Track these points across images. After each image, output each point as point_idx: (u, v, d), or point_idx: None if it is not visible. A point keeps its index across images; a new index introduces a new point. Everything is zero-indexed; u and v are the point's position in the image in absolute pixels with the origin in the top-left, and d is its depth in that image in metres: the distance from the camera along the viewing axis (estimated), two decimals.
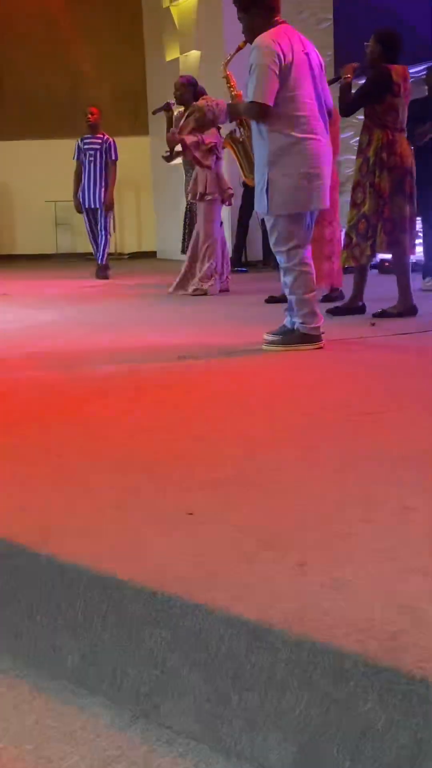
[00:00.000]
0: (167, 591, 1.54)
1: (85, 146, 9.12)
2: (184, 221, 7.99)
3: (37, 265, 12.18)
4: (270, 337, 4.34)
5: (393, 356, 4.06)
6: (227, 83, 4.96)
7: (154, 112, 8.73)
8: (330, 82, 5.60)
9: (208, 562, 1.66)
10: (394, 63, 5.24)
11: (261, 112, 4.04)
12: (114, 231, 11.66)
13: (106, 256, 9.34)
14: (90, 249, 9.52)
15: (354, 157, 5.69)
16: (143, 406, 3.17)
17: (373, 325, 4.97)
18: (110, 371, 3.87)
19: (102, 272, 9.25)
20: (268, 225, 4.28)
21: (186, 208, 8.01)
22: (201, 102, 7.00)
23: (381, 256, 6.53)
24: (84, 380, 3.68)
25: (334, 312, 5.37)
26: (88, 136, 9.13)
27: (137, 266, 10.07)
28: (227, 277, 7.38)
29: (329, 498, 2.04)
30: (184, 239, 7.96)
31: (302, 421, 2.85)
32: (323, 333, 4.31)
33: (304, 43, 4.14)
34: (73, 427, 2.86)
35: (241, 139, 4.95)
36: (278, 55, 3.98)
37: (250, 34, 4.16)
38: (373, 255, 5.43)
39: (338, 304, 5.74)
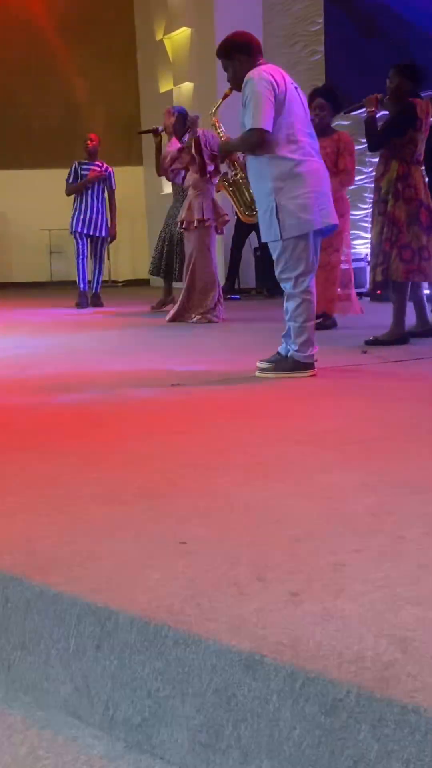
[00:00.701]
0: (160, 621, 1.54)
1: (83, 171, 9.16)
2: (162, 246, 8.05)
3: (32, 293, 12.22)
4: (263, 365, 4.36)
5: (385, 384, 4.08)
6: (215, 130, 5.06)
7: (139, 132, 8.83)
8: (347, 112, 5.69)
9: (201, 592, 1.66)
10: (415, 96, 5.34)
11: (260, 137, 4.11)
12: (108, 259, 11.72)
13: (100, 284, 9.36)
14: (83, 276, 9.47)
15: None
16: (136, 434, 3.17)
17: (365, 352, 5.00)
18: (103, 399, 3.88)
19: (97, 300, 9.25)
20: (274, 253, 4.30)
21: (165, 234, 8.05)
22: (199, 131, 7.10)
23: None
24: (76, 408, 3.69)
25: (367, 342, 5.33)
26: (86, 161, 9.19)
27: (130, 294, 10.11)
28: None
29: (322, 527, 2.05)
30: (160, 264, 8.02)
31: (295, 450, 2.86)
32: (316, 360, 4.34)
33: (290, 78, 4.28)
34: (65, 456, 2.86)
35: (233, 180, 5.00)
36: (272, 84, 4.08)
37: (236, 80, 4.28)
38: (384, 281, 5.43)
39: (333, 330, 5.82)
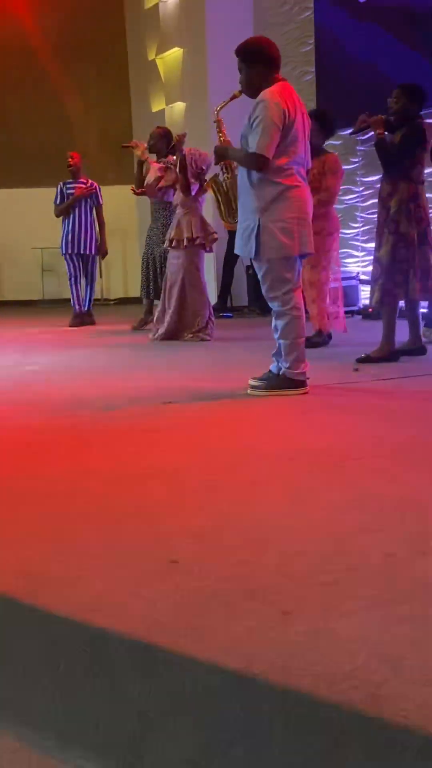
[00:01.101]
0: (151, 641, 1.53)
1: (68, 191, 9.16)
2: (147, 268, 8.04)
3: (23, 312, 12.22)
4: (255, 382, 4.37)
5: (377, 402, 4.09)
6: (217, 128, 5.03)
7: (123, 146, 8.86)
8: (353, 133, 5.71)
9: (192, 611, 1.66)
10: (419, 116, 5.39)
11: (260, 163, 4.15)
12: (100, 277, 11.72)
13: (91, 302, 9.34)
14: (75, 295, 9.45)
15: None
16: (126, 453, 3.17)
17: (356, 370, 5.01)
18: (94, 417, 3.87)
19: (88, 318, 9.24)
20: (260, 272, 4.34)
21: (149, 256, 8.04)
22: (185, 150, 7.14)
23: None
24: (67, 427, 3.68)
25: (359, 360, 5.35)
26: (70, 181, 9.19)
27: (122, 312, 10.11)
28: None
29: (314, 546, 2.05)
30: (149, 286, 8.01)
31: (286, 468, 2.86)
32: (308, 378, 4.35)
33: (300, 102, 4.30)
34: (56, 476, 2.85)
35: (222, 182, 5.00)
36: (284, 113, 4.11)
37: (248, 86, 4.28)
38: (406, 298, 5.46)
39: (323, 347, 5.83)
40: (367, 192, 9.28)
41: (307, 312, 6.37)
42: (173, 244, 7.12)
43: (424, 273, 5.33)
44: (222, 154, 4.69)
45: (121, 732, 1.53)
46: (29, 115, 13.68)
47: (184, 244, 7.04)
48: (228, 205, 4.97)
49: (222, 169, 4.92)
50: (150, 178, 7.54)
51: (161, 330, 7.20)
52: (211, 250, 7.37)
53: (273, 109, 4.10)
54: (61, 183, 9.23)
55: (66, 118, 13.58)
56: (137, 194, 8.14)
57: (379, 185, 5.59)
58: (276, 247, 4.19)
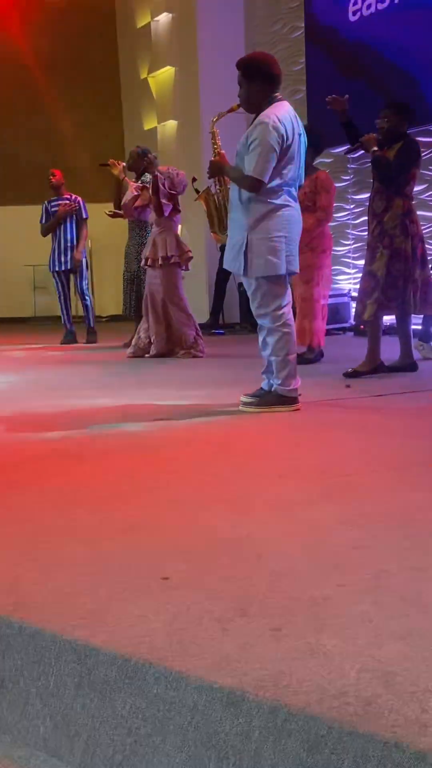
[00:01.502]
0: (141, 657, 1.53)
1: (53, 209, 9.16)
2: (128, 285, 8.06)
3: (15, 328, 12.22)
4: (247, 399, 4.37)
5: (369, 418, 4.09)
6: (212, 140, 5.01)
7: (101, 165, 8.90)
8: (347, 153, 5.73)
9: (183, 628, 1.65)
10: (408, 133, 5.45)
11: (255, 187, 4.17)
12: (93, 295, 11.72)
13: (93, 319, 9.27)
14: (71, 312, 9.41)
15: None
16: (117, 470, 3.16)
17: (348, 387, 5.02)
18: (85, 434, 3.87)
19: (92, 336, 9.16)
20: (249, 289, 4.35)
21: (127, 274, 8.05)
22: (163, 169, 7.18)
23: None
24: (58, 443, 3.67)
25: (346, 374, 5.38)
26: (54, 198, 9.19)
27: (115, 329, 10.10)
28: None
29: (304, 562, 2.04)
30: (130, 303, 8.02)
31: (278, 485, 2.86)
32: (300, 395, 4.35)
33: (298, 122, 4.31)
34: (46, 492, 2.84)
35: (215, 195, 5.00)
36: (282, 137, 4.13)
37: (247, 101, 4.30)
38: (399, 313, 5.54)
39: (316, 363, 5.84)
40: (358, 209, 9.33)
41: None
42: (149, 263, 7.15)
43: (424, 286, 5.39)
44: (217, 170, 4.67)
45: (110, 748, 1.52)
46: (21, 133, 13.73)
47: (159, 263, 7.07)
48: (219, 219, 4.97)
49: (215, 183, 4.91)
50: (127, 197, 7.57)
51: (152, 350, 7.21)
52: (187, 269, 7.38)
53: (272, 134, 4.10)
54: (46, 201, 9.23)
55: (58, 136, 13.63)
56: (111, 217, 8.14)
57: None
58: (262, 265, 4.21)
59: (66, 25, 13.53)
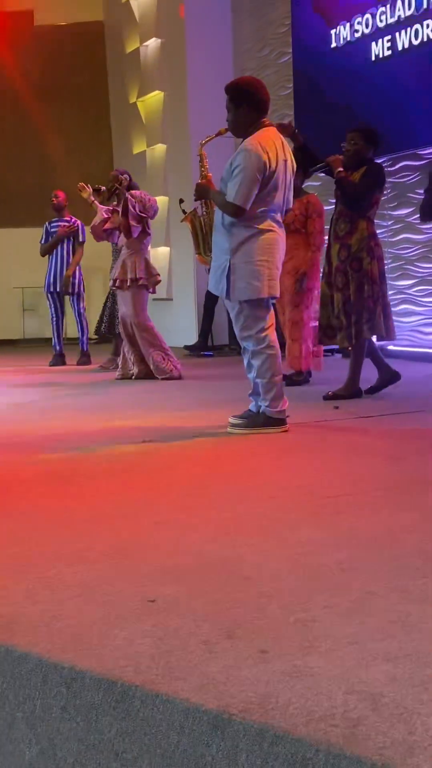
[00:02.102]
0: (127, 680, 1.52)
1: (52, 229, 9.20)
2: (105, 305, 8.11)
3: (4, 351, 12.20)
4: (235, 420, 4.37)
5: (356, 439, 4.10)
6: (200, 162, 5.04)
7: (79, 188, 8.94)
8: (311, 172, 5.75)
9: (169, 650, 1.65)
10: (373, 158, 5.50)
11: (237, 212, 4.20)
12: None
13: (87, 342, 9.26)
14: (62, 335, 9.38)
15: None
16: (105, 491, 3.15)
17: (336, 408, 5.03)
18: (73, 456, 3.86)
19: (84, 358, 9.15)
20: (232, 311, 4.37)
21: (110, 292, 8.13)
22: (136, 193, 7.23)
23: None
24: (46, 465, 3.67)
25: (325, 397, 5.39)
26: (55, 219, 9.23)
27: (105, 350, 10.07)
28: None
29: (291, 584, 2.04)
30: (102, 321, 8.07)
31: (265, 506, 2.86)
32: (288, 416, 4.36)
33: (285, 148, 4.33)
34: (33, 514, 2.84)
35: (201, 217, 5.03)
36: (266, 164, 4.15)
37: (234, 126, 4.33)
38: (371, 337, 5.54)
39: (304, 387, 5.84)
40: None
41: (283, 349, 6.42)
42: (117, 284, 7.18)
43: (386, 310, 5.42)
44: (203, 193, 4.71)
45: None
46: (11, 157, 13.78)
47: (128, 284, 7.11)
48: (204, 241, 4.99)
49: (202, 205, 4.93)
50: (96, 220, 7.61)
51: (134, 372, 7.25)
52: (154, 291, 7.43)
53: (254, 161, 4.13)
54: (47, 222, 9.28)
55: (47, 159, 13.68)
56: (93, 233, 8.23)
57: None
58: (244, 289, 4.23)
59: (55, 49, 13.63)
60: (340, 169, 5.36)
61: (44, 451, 3.98)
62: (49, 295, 9.19)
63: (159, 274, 7.33)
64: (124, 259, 7.18)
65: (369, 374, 5.58)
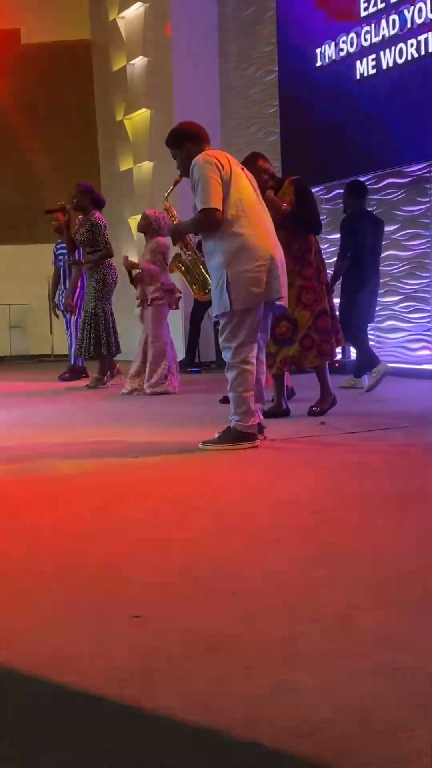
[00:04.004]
0: (112, 697, 1.51)
1: (57, 251, 9.28)
2: (86, 326, 8.03)
3: None
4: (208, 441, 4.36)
5: (341, 455, 4.10)
6: (168, 214, 5.14)
7: (46, 212, 8.95)
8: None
9: (154, 666, 1.63)
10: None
11: (212, 216, 4.21)
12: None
13: (74, 357, 9.29)
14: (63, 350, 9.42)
15: None
16: (91, 508, 3.14)
17: (322, 423, 5.04)
18: (58, 471, 3.84)
19: (73, 373, 9.16)
20: (222, 321, 4.36)
21: (87, 311, 8.05)
22: (150, 212, 7.30)
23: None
24: (31, 481, 3.65)
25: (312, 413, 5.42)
26: (60, 241, 9.26)
27: (95, 366, 10.06)
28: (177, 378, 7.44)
29: (276, 599, 2.03)
30: (88, 344, 7.98)
31: (250, 522, 2.85)
32: (266, 428, 4.36)
33: (234, 160, 4.40)
34: (18, 531, 2.82)
35: (186, 260, 5.03)
36: (217, 166, 4.23)
37: (185, 167, 4.42)
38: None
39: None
40: (332, 249, 9.43)
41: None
42: (139, 303, 7.33)
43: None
44: (177, 233, 4.75)
45: None
46: None
47: (149, 302, 7.23)
48: (197, 281, 5.00)
49: (182, 248, 4.95)
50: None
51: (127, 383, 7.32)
52: (177, 308, 7.52)
53: (205, 166, 4.22)
54: (54, 245, 9.36)
55: (34, 176, 13.71)
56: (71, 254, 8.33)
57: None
58: (245, 298, 4.22)
59: (42, 67, 13.69)
60: (285, 205, 5.39)
61: (29, 467, 3.96)
62: (61, 314, 9.33)
63: (180, 291, 7.45)
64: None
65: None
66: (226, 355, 4.35)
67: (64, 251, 9.11)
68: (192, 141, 4.42)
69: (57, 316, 9.52)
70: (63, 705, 1.55)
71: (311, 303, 5.42)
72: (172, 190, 4.91)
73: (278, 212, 5.22)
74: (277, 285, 4.27)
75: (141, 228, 7.50)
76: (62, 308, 9.19)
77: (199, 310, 9.97)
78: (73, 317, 9.08)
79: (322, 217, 6.35)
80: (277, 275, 4.27)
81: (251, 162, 5.28)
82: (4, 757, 1.59)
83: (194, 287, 5.04)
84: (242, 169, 4.39)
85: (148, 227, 7.39)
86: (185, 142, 4.43)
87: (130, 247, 11.74)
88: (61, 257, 9.25)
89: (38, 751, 1.57)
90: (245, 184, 4.32)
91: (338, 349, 6.18)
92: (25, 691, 1.60)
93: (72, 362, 9.24)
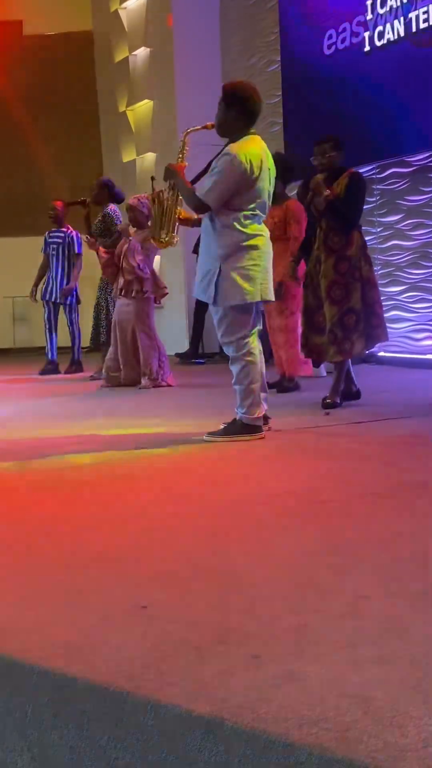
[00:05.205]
0: (119, 687, 1.51)
1: (50, 240, 9.24)
2: (101, 315, 8.05)
3: None
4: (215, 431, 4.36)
5: (345, 445, 4.10)
6: (180, 148, 4.89)
7: (69, 204, 8.93)
8: (307, 204, 5.68)
9: (161, 656, 1.64)
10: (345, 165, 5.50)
11: (200, 208, 4.26)
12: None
13: (78, 351, 9.26)
14: (55, 343, 9.38)
15: None
16: (95, 499, 3.15)
17: (327, 414, 5.04)
18: (62, 464, 3.85)
19: (77, 367, 9.15)
20: (216, 316, 4.36)
21: (102, 301, 8.07)
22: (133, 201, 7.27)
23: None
24: (36, 474, 3.66)
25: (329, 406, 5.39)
26: (54, 230, 9.25)
27: (97, 359, 10.06)
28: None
29: (283, 589, 2.04)
30: (99, 332, 8.00)
31: (256, 511, 2.86)
32: (271, 419, 4.35)
33: (267, 156, 4.34)
34: (21, 523, 2.83)
35: (165, 200, 4.87)
36: (246, 171, 4.16)
37: (219, 125, 4.35)
38: (374, 345, 5.61)
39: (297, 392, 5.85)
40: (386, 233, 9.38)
41: (272, 356, 6.42)
42: (123, 293, 7.19)
43: (382, 312, 5.47)
44: (172, 175, 4.57)
45: None
46: (1, 167, 13.78)
47: (133, 295, 7.14)
48: (160, 222, 4.84)
49: (169, 189, 4.78)
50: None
51: (122, 378, 7.26)
52: (159, 303, 7.47)
53: (234, 168, 4.15)
54: (46, 233, 9.31)
55: (37, 168, 13.69)
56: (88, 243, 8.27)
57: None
58: (236, 294, 4.23)
59: (44, 59, 13.65)
60: (327, 192, 5.31)
61: (33, 460, 3.97)
62: (44, 303, 9.21)
63: (166, 286, 7.39)
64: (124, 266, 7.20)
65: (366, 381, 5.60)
66: (229, 350, 4.35)
67: (58, 240, 9.11)
68: (240, 113, 4.26)
69: (36, 301, 9.43)
70: (71, 695, 1.55)
71: (340, 299, 5.34)
72: (198, 129, 4.72)
73: (320, 197, 5.24)
74: (266, 287, 4.28)
75: (131, 220, 7.42)
76: (56, 299, 9.10)
77: (202, 301, 9.96)
78: (65, 308, 9.08)
79: None
80: (266, 278, 4.28)
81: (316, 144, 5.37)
82: (15, 747, 1.61)
83: (156, 228, 4.89)
84: (267, 170, 4.29)
85: (138, 216, 7.31)
86: (238, 107, 4.26)
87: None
88: (53, 245, 9.20)
89: (47, 741, 1.58)
90: (266, 186, 4.28)
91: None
92: (34, 682, 1.60)
93: (75, 356, 9.21)
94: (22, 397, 7.06)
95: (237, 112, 4.27)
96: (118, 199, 8.19)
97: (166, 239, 4.82)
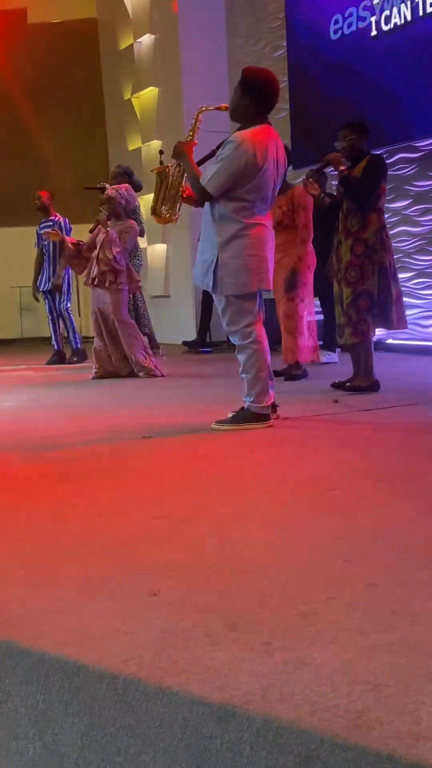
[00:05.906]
0: (130, 674, 1.51)
1: (41, 230, 9.20)
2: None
3: (2, 350, 12.19)
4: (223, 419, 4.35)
5: (355, 433, 4.10)
6: (192, 125, 4.78)
7: (86, 188, 8.91)
8: (315, 172, 5.66)
9: (172, 643, 1.64)
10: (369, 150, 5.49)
11: (202, 197, 4.24)
12: (79, 316, 11.69)
13: (76, 339, 9.24)
14: (59, 333, 9.36)
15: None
16: (107, 487, 3.15)
17: (335, 401, 5.03)
18: (73, 453, 3.85)
19: (79, 357, 9.14)
20: (219, 305, 4.35)
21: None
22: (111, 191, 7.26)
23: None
24: (46, 463, 3.66)
25: (345, 389, 5.38)
26: (43, 220, 9.22)
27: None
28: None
29: (294, 576, 2.03)
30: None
31: (265, 499, 2.85)
32: (279, 407, 4.35)
33: (278, 147, 4.31)
34: (34, 510, 2.83)
35: (171, 176, 4.78)
36: (253, 159, 4.13)
37: (234, 110, 4.34)
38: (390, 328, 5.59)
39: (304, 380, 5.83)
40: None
41: (278, 344, 6.39)
42: (97, 282, 7.13)
43: (398, 301, 5.39)
44: (180, 154, 4.50)
45: None
46: (5, 155, 13.75)
47: (106, 285, 7.08)
48: (162, 199, 4.75)
49: (176, 166, 4.70)
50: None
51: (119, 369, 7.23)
52: (132, 294, 7.43)
53: (240, 156, 4.12)
54: (38, 225, 9.27)
55: (42, 157, 13.67)
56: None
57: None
58: (233, 283, 4.21)
59: (49, 47, 13.60)
60: (343, 167, 5.33)
61: (43, 449, 3.97)
62: (44, 295, 9.20)
63: (140, 279, 7.41)
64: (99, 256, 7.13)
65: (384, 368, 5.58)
66: (234, 339, 4.34)
67: (48, 229, 9.06)
68: (255, 101, 4.24)
69: (38, 300, 9.44)
70: (82, 683, 1.56)
71: (354, 281, 5.31)
72: (212, 109, 4.67)
73: (337, 170, 5.30)
74: (263, 276, 4.25)
75: (110, 210, 7.36)
76: (49, 288, 9.09)
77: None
78: (60, 299, 9.07)
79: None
80: (266, 268, 4.26)
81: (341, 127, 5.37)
82: (27, 735, 1.61)
83: (157, 202, 4.81)
84: (276, 161, 4.26)
85: (117, 207, 7.28)
86: (251, 96, 4.25)
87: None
88: (46, 237, 9.16)
89: (56, 728, 1.58)
90: (271, 178, 4.25)
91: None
92: (45, 670, 1.61)
93: (75, 346, 9.19)
94: (29, 387, 7.06)
95: (251, 99, 4.25)
96: (136, 188, 8.23)
97: (167, 215, 4.72)
